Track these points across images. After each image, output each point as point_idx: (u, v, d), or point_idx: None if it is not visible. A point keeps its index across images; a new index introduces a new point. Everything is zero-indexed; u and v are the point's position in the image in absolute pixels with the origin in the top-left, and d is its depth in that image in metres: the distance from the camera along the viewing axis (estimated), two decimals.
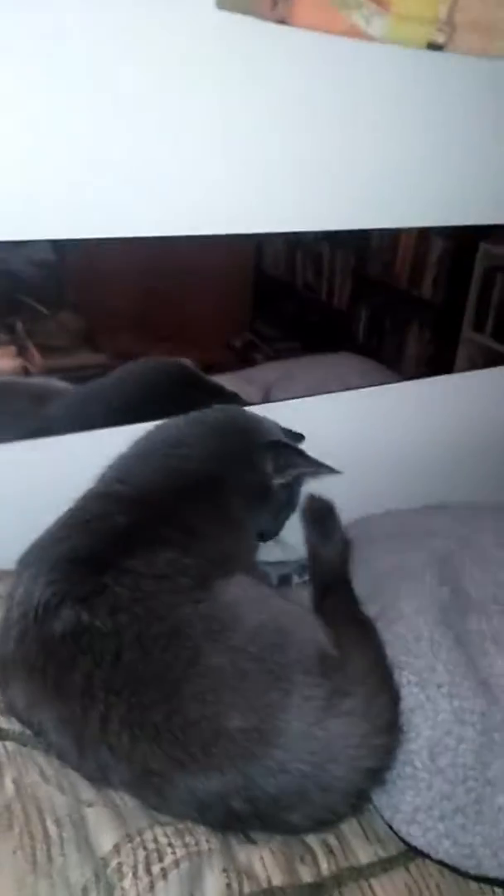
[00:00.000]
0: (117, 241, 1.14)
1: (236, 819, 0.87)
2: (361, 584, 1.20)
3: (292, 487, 1.25)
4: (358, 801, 0.94)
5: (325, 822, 0.93)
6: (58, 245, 1.14)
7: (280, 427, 1.28)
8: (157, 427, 1.21)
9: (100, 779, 0.89)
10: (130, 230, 1.14)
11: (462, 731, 1.01)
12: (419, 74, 1.25)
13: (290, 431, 1.30)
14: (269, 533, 1.26)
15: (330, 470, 1.22)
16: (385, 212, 1.37)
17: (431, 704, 1.02)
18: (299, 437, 1.32)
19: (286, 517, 1.27)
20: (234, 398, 1.40)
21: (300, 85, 1.17)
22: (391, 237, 1.49)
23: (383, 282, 1.58)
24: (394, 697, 1.00)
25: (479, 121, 1.36)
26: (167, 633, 0.91)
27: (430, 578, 1.18)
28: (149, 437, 1.19)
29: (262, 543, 1.26)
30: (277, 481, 1.21)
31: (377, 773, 0.95)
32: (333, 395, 1.49)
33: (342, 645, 1.02)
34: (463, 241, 1.58)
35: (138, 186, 1.12)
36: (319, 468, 1.22)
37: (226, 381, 1.40)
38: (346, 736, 0.91)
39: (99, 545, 0.99)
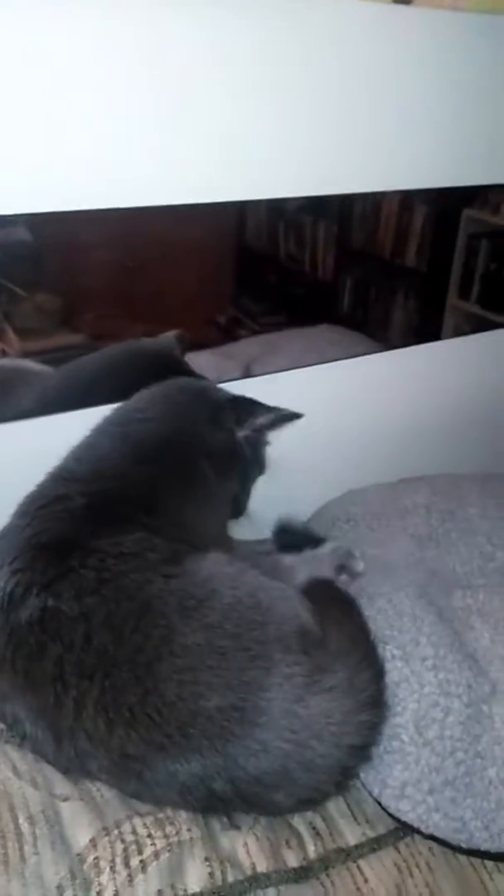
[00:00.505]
0: (93, 214, 1.11)
1: (218, 800, 0.86)
2: None
3: (258, 444, 1.21)
4: (343, 778, 0.93)
5: (310, 800, 0.92)
6: (33, 224, 1.11)
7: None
8: (114, 408, 1.18)
9: (78, 768, 0.88)
10: (106, 201, 1.11)
11: (448, 703, 1.00)
12: (390, 31, 1.22)
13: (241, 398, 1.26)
14: (241, 500, 1.23)
15: (293, 415, 1.18)
16: (367, 175, 1.35)
17: (416, 678, 1.02)
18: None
19: (254, 478, 1.24)
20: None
21: (273, 47, 1.15)
22: (373, 205, 1.47)
23: (367, 251, 1.56)
24: (378, 672, 0.99)
25: (453, 79, 1.34)
26: (137, 612, 0.89)
27: (406, 563, 1.17)
28: (105, 417, 1.16)
29: (235, 520, 1.23)
30: (242, 434, 1.18)
31: (362, 750, 0.94)
32: (317, 367, 1.47)
33: (324, 620, 1.01)
34: (446, 208, 1.56)
35: (112, 155, 1.09)
36: (280, 414, 1.18)
37: (205, 357, 1.38)
38: (328, 713, 0.90)
39: (60, 528, 0.97)
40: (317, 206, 1.41)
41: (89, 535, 0.95)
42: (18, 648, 0.88)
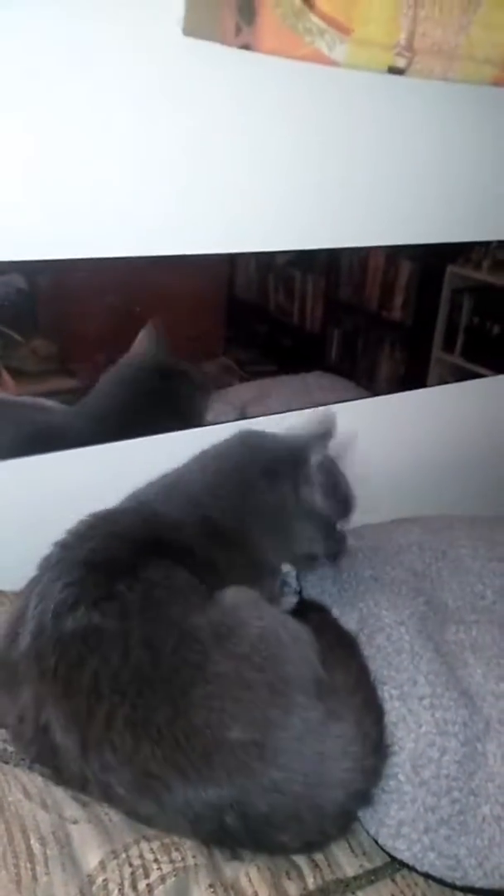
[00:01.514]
0: (89, 263, 1.15)
1: (227, 835, 0.87)
2: (340, 591, 1.21)
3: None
4: (347, 822, 0.96)
5: (315, 843, 0.94)
6: (29, 271, 1.14)
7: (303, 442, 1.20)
8: (200, 455, 1.20)
9: (97, 783, 0.88)
10: (101, 251, 1.15)
11: (445, 742, 1.01)
12: (383, 97, 1.29)
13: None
14: (326, 546, 1.22)
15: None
16: (354, 231, 1.40)
17: (414, 717, 1.02)
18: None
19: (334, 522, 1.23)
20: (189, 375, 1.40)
21: (268, 108, 1.20)
22: (360, 260, 1.52)
23: (354, 304, 1.61)
24: (379, 715, 1.01)
25: (439, 142, 1.40)
26: (176, 637, 0.92)
27: (406, 591, 1.19)
28: (194, 456, 1.20)
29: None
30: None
31: (366, 794, 0.96)
32: (308, 411, 1.49)
33: (328, 662, 1.03)
34: (431, 264, 1.61)
35: (107, 205, 1.13)
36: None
37: None
38: (339, 758, 0.92)
39: (118, 554, 1.01)
40: (306, 259, 1.46)
41: (140, 566, 0.99)
42: (61, 657, 0.90)
